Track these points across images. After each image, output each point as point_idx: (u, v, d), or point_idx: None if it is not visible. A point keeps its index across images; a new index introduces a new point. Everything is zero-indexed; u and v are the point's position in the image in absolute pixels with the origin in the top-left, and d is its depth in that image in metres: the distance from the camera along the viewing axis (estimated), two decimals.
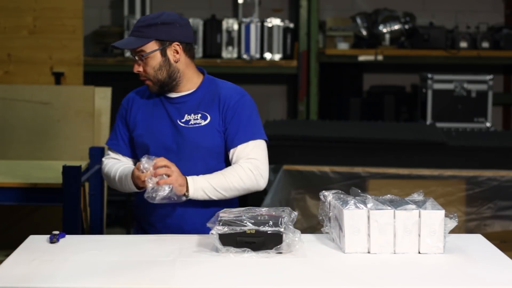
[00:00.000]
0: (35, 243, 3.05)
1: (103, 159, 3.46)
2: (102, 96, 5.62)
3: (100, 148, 4.72)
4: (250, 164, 3.27)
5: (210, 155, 3.32)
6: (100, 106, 5.55)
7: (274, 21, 7.48)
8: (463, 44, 7.40)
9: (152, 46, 3.24)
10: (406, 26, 7.55)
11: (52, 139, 5.32)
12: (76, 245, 3.03)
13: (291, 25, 7.52)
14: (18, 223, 5.16)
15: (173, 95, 3.33)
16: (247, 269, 2.76)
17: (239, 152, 3.29)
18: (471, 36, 7.45)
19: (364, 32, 7.54)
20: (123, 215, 7.05)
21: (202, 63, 7.34)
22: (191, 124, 3.30)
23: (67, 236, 3.12)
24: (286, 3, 8.03)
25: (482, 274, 2.73)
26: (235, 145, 3.29)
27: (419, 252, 2.93)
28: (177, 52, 3.27)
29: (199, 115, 3.31)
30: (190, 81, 3.33)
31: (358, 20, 7.56)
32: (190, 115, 3.31)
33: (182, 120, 3.30)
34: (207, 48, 7.47)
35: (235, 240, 2.88)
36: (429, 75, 7.20)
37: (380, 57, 7.35)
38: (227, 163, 3.35)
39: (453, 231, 2.97)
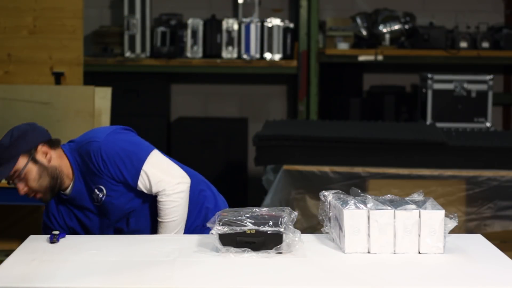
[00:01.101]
0: (35, 243, 3.05)
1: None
2: (102, 96, 5.61)
3: None
4: (162, 195, 3.24)
5: (144, 204, 3.32)
6: (100, 106, 5.55)
7: (274, 21, 7.48)
8: (463, 44, 7.40)
9: (22, 162, 3.17)
10: (406, 26, 7.55)
11: None
12: (76, 245, 3.03)
13: (291, 25, 7.52)
14: (18, 223, 5.15)
15: (66, 192, 3.30)
16: (247, 269, 2.76)
17: (143, 185, 3.24)
18: (471, 36, 7.45)
19: (364, 32, 7.54)
20: None
21: (202, 63, 7.34)
22: (97, 203, 3.29)
23: (67, 236, 3.13)
24: (286, 3, 8.02)
25: (482, 274, 2.73)
26: (135, 183, 3.24)
27: (419, 252, 2.92)
28: (46, 153, 3.22)
29: (95, 189, 3.26)
30: (67, 168, 3.26)
31: (358, 20, 7.56)
32: (92, 198, 3.28)
33: (95, 203, 3.29)
34: (207, 48, 7.47)
35: (235, 240, 2.88)
36: (429, 75, 7.20)
37: (380, 57, 7.34)
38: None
39: (453, 231, 2.97)
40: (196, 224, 3.39)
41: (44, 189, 3.22)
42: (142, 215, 3.33)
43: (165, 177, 3.24)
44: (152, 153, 3.26)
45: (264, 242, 2.88)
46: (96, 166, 3.22)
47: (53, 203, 3.36)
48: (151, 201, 3.31)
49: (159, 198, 3.25)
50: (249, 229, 2.89)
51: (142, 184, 3.24)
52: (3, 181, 4.21)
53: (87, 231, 3.35)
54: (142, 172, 3.22)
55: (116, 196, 3.27)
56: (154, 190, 3.24)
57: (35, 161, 3.20)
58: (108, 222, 3.32)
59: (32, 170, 3.19)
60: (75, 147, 3.27)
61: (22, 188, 3.20)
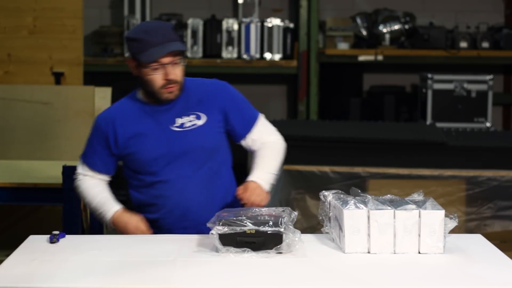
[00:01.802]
0: (35, 243, 3.05)
1: (79, 172, 3.42)
2: (102, 96, 5.61)
3: None
4: (279, 138, 3.42)
5: (211, 156, 3.32)
6: (100, 106, 5.54)
7: (274, 21, 7.48)
8: (463, 44, 7.40)
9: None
10: (406, 26, 7.55)
11: (52, 139, 5.32)
12: (76, 245, 3.03)
13: (291, 25, 7.52)
14: (18, 223, 5.15)
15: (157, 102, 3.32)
16: (247, 269, 2.76)
17: (257, 132, 3.38)
18: (471, 36, 7.45)
19: (364, 32, 7.54)
20: None
21: (202, 63, 7.34)
22: (187, 127, 3.29)
23: (67, 236, 3.12)
24: (286, 3, 8.03)
25: (482, 274, 2.73)
26: (249, 129, 3.37)
27: (419, 252, 2.93)
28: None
29: (193, 116, 3.30)
30: None
31: (358, 20, 7.56)
32: (182, 118, 3.30)
33: (175, 125, 3.29)
34: (207, 48, 7.47)
35: (235, 240, 2.88)
36: (429, 75, 7.20)
37: (380, 57, 7.35)
38: (225, 161, 3.37)
39: (453, 231, 2.97)
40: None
41: (180, 84, 3.26)
42: (197, 175, 3.30)
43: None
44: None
45: (264, 242, 2.89)
46: (218, 101, 3.32)
47: (122, 111, 3.34)
48: (210, 171, 3.32)
49: (273, 140, 3.41)
50: (249, 229, 2.89)
51: (257, 129, 3.38)
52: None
53: (143, 151, 3.30)
54: (259, 120, 3.41)
55: (205, 133, 3.29)
56: (265, 136, 3.39)
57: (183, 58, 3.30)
58: (168, 151, 3.28)
59: (182, 61, 3.27)
60: (193, 79, 3.39)
61: (170, 72, 3.22)
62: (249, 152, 3.45)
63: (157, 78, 3.22)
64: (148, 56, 3.19)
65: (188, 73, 3.34)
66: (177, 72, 3.23)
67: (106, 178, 3.43)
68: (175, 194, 3.30)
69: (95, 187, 3.39)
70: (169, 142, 3.28)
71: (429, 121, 7.14)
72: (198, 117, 3.30)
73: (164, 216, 3.31)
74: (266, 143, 3.39)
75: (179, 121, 3.29)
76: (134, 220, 3.29)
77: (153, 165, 3.28)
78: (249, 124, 3.38)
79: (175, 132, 3.28)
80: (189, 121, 3.29)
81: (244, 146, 3.42)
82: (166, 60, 3.20)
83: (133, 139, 3.30)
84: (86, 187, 3.40)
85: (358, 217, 2.92)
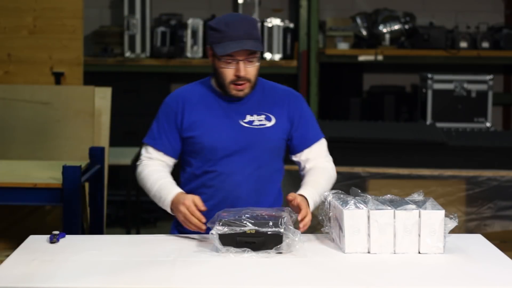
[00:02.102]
0: (35, 243, 3.05)
1: (142, 156, 3.36)
2: (102, 96, 5.61)
3: (100, 148, 4.72)
4: (332, 167, 3.38)
5: (270, 160, 3.32)
6: (100, 106, 5.54)
7: (274, 21, 7.48)
8: (463, 44, 7.40)
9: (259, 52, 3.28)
10: (406, 26, 7.55)
11: (52, 139, 5.32)
12: (76, 245, 3.03)
13: (291, 25, 7.52)
14: (18, 223, 5.15)
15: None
16: (247, 269, 2.76)
17: (316, 151, 3.36)
18: (471, 36, 7.45)
19: (364, 32, 7.54)
20: (123, 215, 7.05)
21: (202, 63, 7.34)
22: (256, 124, 3.29)
23: (67, 236, 3.12)
24: (286, 3, 8.03)
25: (482, 274, 2.73)
26: (308, 145, 3.35)
27: (419, 252, 2.93)
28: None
29: (263, 116, 3.30)
30: None
31: (358, 20, 7.56)
32: (252, 115, 3.29)
33: (245, 120, 3.29)
34: (207, 48, 7.46)
35: (235, 240, 2.88)
36: (429, 75, 7.20)
37: (380, 57, 7.34)
38: (279, 170, 3.37)
39: (453, 231, 2.97)
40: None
41: (252, 83, 3.26)
42: (259, 173, 3.29)
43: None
44: None
45: (264, 242, 2.89)
46: (290, 108, 3.33)
47: (194, 93, 3.34)
48: (264, 174, 3.31)
49: (329, 163, 3.38)
50: (249, 229, 2.89)
51: (317, 146, 3.36)
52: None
53: (208, 136, 3.29)
54: (322, 140, 3.39)
55: (272, 134, 3.29)
56: (321, 158, 3.36)
57: (260, 58, 3.29)
58: (231, 143, 3.27)
59: (257, 60, 3.26)
60: (269, 82, 3.40)
61: (244, 72, 3.22)
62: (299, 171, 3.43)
63: (228, 72, 3.23)
64: (222, 49, 3.20)
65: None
66: (249, 70, 3.23)
67: (170, 162, 3.35)
68: (228, 188, 3.28)
69: (157, 172, 3.29)
70: (234, 135, 3.27)
71: (429, 121, 7.14)
72: (268, 119, 3.30)
73: (210, 208, 3.21)
74: (321, 167, 3.35)
75: (249, 117, 3.29)
76: (191, 196, 3.17)
77: (212, 153, 3.26)
78: (309, 141, 3.36)
79: (242, 127, 3.28)
80: (258, 120, 3.29)
81: (295, 162, 3.41)
82: (240, 56, 3.20)
83: (199, 122, 3.28)
84: (148, 172, 3.29)
85: (358, 217, 2.92)
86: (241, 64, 3.21)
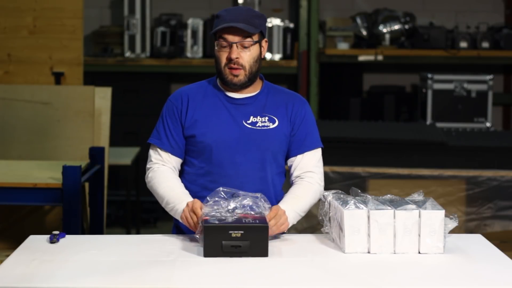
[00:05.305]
0: (35, 243, 3.05)
1: (151, 161, 3.33)
2: (102, 96, 5.61)
3: (100, 148, 4.72)
4: (320, 179, 3.33)
5: (272, 162, 3.30)
6: (100, 106, 5.54)
7: (274, 21, 7.48)
8: (463, 44, 7.40)
9: (256, 37, 3.26)
10: (406, 26, 7.55)
11: (52, 139, 5.32)
12: (76, 245, 3.03)
13: (291, 25, 7.52)
14: (18, 223, 5.16)
15: (236, 95, 3.30)
16: (247, 269, 2.76)
17: (307, 160, 3.32)
18: (471, 36, 7.45)
19: (364, 32, 7.54)
20: (123, 215, 7.05)
21: (202, 63, 7.34)
22: (259, 126, 3.28)
23: (67, 236, 3.12)
24: (286, 3, 8.03)
25: (482, 274, 2.73)
26: (302, 151, 3.32)
27: (419, 252, 2.93)
28: (264, 48, 3.31)
29: (266, 118, 3.29)
30: (255, 83, 3.32)
31: (358, 20, 7.56)
32: (256, 117, 3.28)
33: (248, 121, 3.28)
34: (207, 48, 7.47)
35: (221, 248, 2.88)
36: (429, 75, 7.20)
37: (380, 57, 7.34)
38: (280, 173, 3.35)
39: (453, 231, 2.97)
40: None
41: (249, 72, 3.25)
42: (260, 175, 3.28)
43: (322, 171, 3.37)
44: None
45: (250, 245, 2.88)
46: (293, 112, 3.32)
47: (198, 91, 3.33)
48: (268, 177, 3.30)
49: (318, 177, 3.32)
50: (234, 233, 2.88)
51: (310, 155, 3.33)
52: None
53: (210, 135, 3.27)
54: (318, 149, 3.36)
55: (274, 137, 3.28)
56: (310, 168, 3.32)
57: (260, 45, 3.28)
58: (234, 144, 3.26)
59: (256, 50, 3.25)
60: (276, 86, 3.40)
61: (236, 55, 3.22)
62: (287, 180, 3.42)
63: (222, 55, 3.24)
64: (215, 28, 3.24)
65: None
66: (243, 55, 3.22)
67: (177, 163, 3.32)
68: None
69: (167, 181, 3.27)
70: (237, 135, 3.26)
71: (429, 121, 7.14)
72: (272, 121, 3.30)
73: None
74: (308, 182, 3.30)
75: (252, 118, 3.28)
76: (191, 203, 3.15)
77: (214, 152, 3.25)
78: (304, 147, 3.34)
79: (245, 128, 3.27)
80: (262, 122, 3.29)
81: (288, 167, 3.39)
82: (233, 38, 3.21)
83: (202, 121, 3.27)
84: (158, 180, 3.27)
85: (358, 217, 2.92)
86: (234, 47, 3.22)
